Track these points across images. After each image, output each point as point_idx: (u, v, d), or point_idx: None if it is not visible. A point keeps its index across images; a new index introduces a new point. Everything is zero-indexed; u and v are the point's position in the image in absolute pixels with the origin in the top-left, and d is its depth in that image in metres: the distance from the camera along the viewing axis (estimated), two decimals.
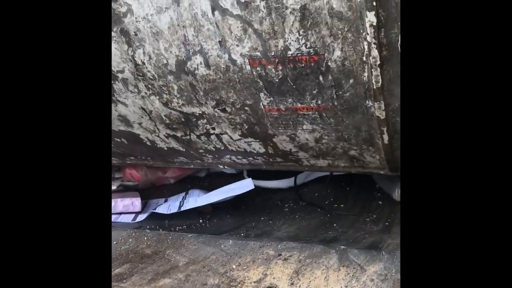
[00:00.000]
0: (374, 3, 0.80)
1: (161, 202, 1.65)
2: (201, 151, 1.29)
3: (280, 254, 1.11)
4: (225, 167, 1.41)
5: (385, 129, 0.99)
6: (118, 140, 1.33)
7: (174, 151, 1.33)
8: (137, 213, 1.57)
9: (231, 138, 1.18)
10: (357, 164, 1.21)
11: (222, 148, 1.24)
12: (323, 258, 1.07)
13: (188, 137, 1.22)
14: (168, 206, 1.56)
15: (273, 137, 1.13)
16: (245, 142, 1.18)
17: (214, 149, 1.26)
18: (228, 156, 1.30)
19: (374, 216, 1.41)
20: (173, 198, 1.65)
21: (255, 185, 1.46)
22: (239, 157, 1.29)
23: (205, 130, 1.18)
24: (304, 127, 1.06)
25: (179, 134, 1.22)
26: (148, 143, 1.31)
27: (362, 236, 1.28)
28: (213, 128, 1.16)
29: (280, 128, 1.09)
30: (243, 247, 1.17)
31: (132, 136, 1.29)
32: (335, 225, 1.39)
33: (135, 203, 1.57)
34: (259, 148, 1.20)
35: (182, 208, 1.52)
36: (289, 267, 1.06)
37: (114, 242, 1.29)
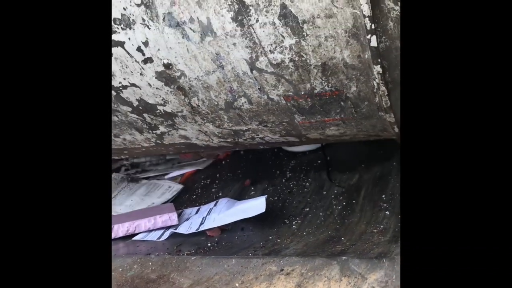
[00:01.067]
0: (379, 60, 1.05)
1: (193, 212, 1.77)
2: (245, 145, 1.60)
3: (283, 269, 1.15)
4: (264, 146, 1.73)
5: (395, 125, 1.28)
6: (178, 147, 1.63)
7: (223, 147, 1.64)
8: (164, 231, 1.67)
9: (271, 137, 1.48)
10: (373, 137, 1.51)
11: (264, 142, 1.54)
12: (325, 270, 1.11)
13: (236, 141, 1.52)
14: (190, 224, 1.64)
15: (307, 135, 1.42)
16: (283, 138, 1.48)
17: (256, 143, 1.57)
18: (267, 144, 1.61)
19: (382, 227, 1.45)
20: (202, 208, 1.77)
21: (289, 151, 1.77)
22: (276, 144, 1.59)
23: (250, 137, 1.47)
24: (331, 128, 1.35)
25: (229, 140, 1.52)
26: (203, 146, 1.61)
27: (370, 248, 1.30)
28: (257, 135, 1.45)
29: (312, 130, 1.38)
30: (246, 265, 1.21)
31: (190, 144, 1.59)
32: (343, 238, 1.42)
33: (172, 217, 1.68)
34: (294, 139, 1.50)
35: (201, 228, 1.60)
36: (292, 281, 1.10)
37: (120, 269, 1.34)
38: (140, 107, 1.36)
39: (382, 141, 1.72)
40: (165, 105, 1.34)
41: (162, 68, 1.22)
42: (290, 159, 2.03)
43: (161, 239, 1.62)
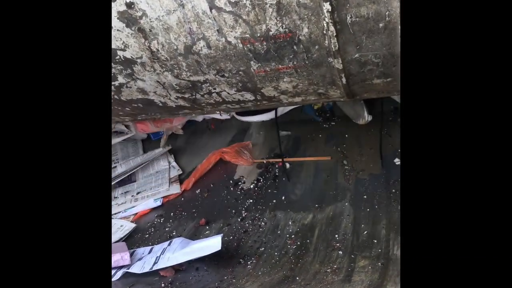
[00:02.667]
0: None
1: (146, 251, 1.76)
2: (203, 104, 1.65)
3: None
4: (221, 112, 1.78)
5: (343, 74, 1.38)
6: (135, 105, 1.66)
7: (180, 107, 1.68)
8: (116, 271, 1.63)
9: (228, 93, 1.54)
10: (323, 97, 1.60)
11: (221, 100, 1.60)
12: None
13: (194, 96, 1.57)
14: (143, 264, 1.62)
15: (261, 89, 1.50)
16: (239, 94, 1.55)
17: (214, 102, 1.62)
18: (224, 105, 1.67)
19: (335, 266, 1.51)
20: (156, 248, 1.75)
21: (243, 121, 1.84)
22: (233, 104, 1.66)
23: (208, 91, 1.53)
24: (285, 79, 1.44)
25: (186, 96, 1.57)
26: (160, 104, 1.65)
27: (324, 287, 1.38)
28: (214, 89, 1.51)
29: (266, 83, 1.46)
30: None
31: (147, 101, 1.62)
32: (297, 278, 1.48)
33: (124, 256, 1.67)
34: (250, 96, 1.57)
35: (154, 268, 1.58)
36: None
37: None
38: None
39: (334, 183, 1.88)
40: (125, 50, 1.38)
41: (124, 8, 1.27)
42: (246, 198, 2.08)
43: (113, 279, 1.59)
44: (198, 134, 2.62)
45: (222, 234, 1.68)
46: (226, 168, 2.33)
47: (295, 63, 1.35)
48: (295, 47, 1.29)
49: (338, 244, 1.64)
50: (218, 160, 2.32)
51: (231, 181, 2.21)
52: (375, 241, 1.62)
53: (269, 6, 1.19)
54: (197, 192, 2.23)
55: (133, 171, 2.43)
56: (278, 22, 1.22)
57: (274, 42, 1.28)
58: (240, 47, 1.31)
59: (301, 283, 1.42)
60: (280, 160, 2.15)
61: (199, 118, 2.24)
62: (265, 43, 1.29)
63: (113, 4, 1.27)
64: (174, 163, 2.48)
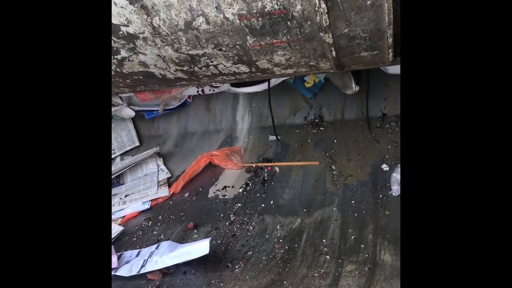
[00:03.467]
0: None
1: (134, 255, 1.75)
2: (200, 76, 1.74)
3: None
4: (217, 83, 1.88)
5: (333, 48, 1.48)
6: (136, 77, 1.74)
7: (179, 79, 1.77)
8: None
9: (224, 65, 1.63)
10: (314, 69, 1.70)
11: (217, 73, 1.69)
12: None
13: (192, 69, 1.66)
14: (130, 267, 1.62)
15: (256, 61, 1.59)
16: (235, 67, 1.64)
17: (210, 74, 1.71)
18: (220, 77, 1.76)
19: (322, 270, 1.52)
20: (143, 251, 1.75)
21: (237, 93, 1.93)
22: (229, 76, 1.75)
23: (205, 63, 1.62)
24: (278, 53, 1.53)
25: (185, 68, 1.66)
26: (160, 76, 1.73)
27: None
28: (212, 62, 1.60)
29: (261, 56, 1.55)
30: None
31: (147, 73, 1.71)
32: (285, 282, 1.48)
33: (112, 260, 1.63)
34: (245, 69, 1.66)
35: (142, 271, 1.58)
36: None
37: None
38: None
39: (323, 188, 1.91)
40: (128, 26, 1.45)
41: None
42: (234, 202, 2.09)
43: None
44: (187, 137, 2.66)
45: (210, 238, 1.68)
46: (215, 172, 2.33)
47: (288, 37, 1.44)
48: (288, 22, 1.38)
49: (325, 249, 1.65)
50: (207, 163, 2.32)
51: (218, 187, 2.22)
52: (362, 246, 1.64)
53: None
54: (185, 195, 2.25)
55: (121, 171, 2.43)
56: None
57: (269, 18, 1.37)
58: (237, 23, 1.40)
59: (289, 287, 1.44)
60: (269, 164, 2.19)
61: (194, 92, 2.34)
62: (260, 19, 1.38)
63: None
64: (162, 166, 2.48)
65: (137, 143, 2.82)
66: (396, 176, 1.91)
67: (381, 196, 1.86)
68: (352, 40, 1.45)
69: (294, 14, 1.35)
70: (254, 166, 2.27)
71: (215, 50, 1.52)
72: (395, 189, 1.86)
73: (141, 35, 1.48)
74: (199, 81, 1.81)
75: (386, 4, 1.29)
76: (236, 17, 1.38)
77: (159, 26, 1.44)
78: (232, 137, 2.57)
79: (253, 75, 1.73)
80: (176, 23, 1.42)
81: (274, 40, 1.46)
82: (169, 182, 2.40)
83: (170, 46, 1.52)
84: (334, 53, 1.50)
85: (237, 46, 1.50)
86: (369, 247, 1.61)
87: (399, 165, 1.96)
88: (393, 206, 1.78)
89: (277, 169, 2.22)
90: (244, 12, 1.36)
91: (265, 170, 2.24)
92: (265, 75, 1.77)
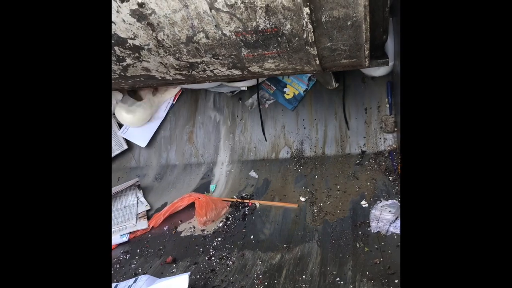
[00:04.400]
0: (308, 3, 1.42)
1: None
2: (196, 77, 1.92)
3: None
4: (210, 81, 2.06)
5: (317, 58, 1.68)
6: (138, 79, 1.91)
7: (177, 80, 1.95)
8: None
9: (220, 70, 1.82)
10: (299, 70, 1.91)
11: (212, 75, 1.88)
12: None
13: (190, 73, 1.84)
14: None
15: (248, 67, 1.78)
16: (229, 71, 1.83)
17: (206, 76, 1.90)
18: (214, 78, 1.95)
19: None
20: (120, 285, 1.73)
21: (229, 87, 2.12)
22: (222, 77, 1.94)
23: (203, 69, 1.80)
24: (269, 61, 1.73)
25: (183, 72, 1.84)
26: (160, 78, 1.91)
27: None
28: (209, 67, 1.79)
29: (253, 63, 1.74)
30: None
31: (148, 76, 1.88)
32: None
33: None
34: (238, 72, 1.85)
35: None
36: None
37: None
38: (113, 41, 1.62)
39: (303, 224, 1.95)
40: (135, 39, 1.62)
41: (136, 7, 1.50)
42: (214, 236, 2.10)
43: None
44: (168, 170, 2.67)
45: (189, 273, 1.66)
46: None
47: (278, 50, 1.64)
48: (279, 38, 1.57)
49: (305, 285, 1.65)
50: (190, 202, 2.29)
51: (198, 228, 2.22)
52: (342, 282, 1.64)
53: (259, 8, 1.46)
54: (164, 229, 2.24)
55: None
56: (266, 20, 1.50)
57: (262, 35, 1.56)
58: (233, 38, 1.58)
59: None
60: (249, 200, 2.24)
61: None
62: (254, 35, 1.57)
63: (126, 3, 1.50)
64: (142, 199, 2.46)
65: (125, 146, 2.85)
66: (375, 213, 1.98)
67: (360, 232, 1.90)
68: (334, 51, 1.65)
69: (284, 31, 1.54)
70: (235, 200, 2.30)
71: (213, 58, 1.71)
72: (374, 226, 1.91)
73: (146, 47, 1.65)
74: (194, 81, 1.99)
75: (364, 25, 1.49)
76: (233, 34, 1.56)
77: (163, 39, 1.61)
78: (212, 172, 2.59)
79: (244, 76, 1.92)
80: (178, 37, 1.60)
81: (266, 52, 1.65)
82: (148, 215, 2.39)
83: (172, 56, 1.69)
84: (318, 61, 1.70)
85: (232, 56, 1.69)
86: (348, 283, 1.62)
87: (378, 202, 2.04)
88: (372, 243, 1.81)
89: (257, 204, 2.27)
90: (240, 29, 1.54)
91: (246, 205, 2.28)
92: (255, 76, 1.96)
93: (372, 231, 1.89)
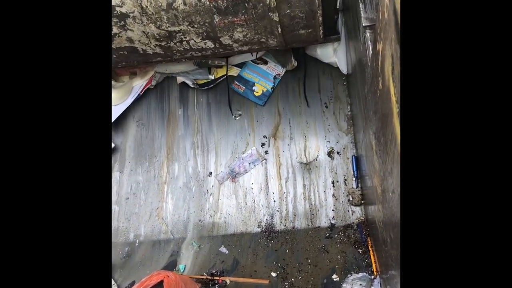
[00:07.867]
0: None
1: None
2: (174, 51, 2.18)
3: None
4: (186, 59, 2.32)
5: (279, 25, 1.97)
6: (121, 52, 2.15)
7: (156, 54, 2.20)
8: None
9: (195, 41, 2.09)
10: (264, 45, 2.20)
11: (188, 48, 2.14)
12: None
13: (168, 44, 2.10)
14: None
15: (220, 38, 2.06)
16: (203, 42, 2.10)
17: (182, 50, 2.16)
18: (190, 53, 2.21)
19: None
20: None
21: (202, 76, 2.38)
22: (196, 52, 2.20)
23: (180, 39, 2.06)
24: (238, 29, 2.01)
25: (163, 43, 2.09)
26: (141, 51, 2.15)
27: None
28: (185, 37, 2.05)
29: (224, 32, 2.02)
30: None
31: (131, 48, 2.12)
32: None
33: None
34: (211, 44, 2.12)
35: None
36: None
37: None
38: None
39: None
40: (122, 6, 1.87)
41: None
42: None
43: None
44: (135, 247, 2.59)
45: None
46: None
47: (246, 16, 1.92)
48: (246, 4, 1.86)
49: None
50: (159, 281, 2.06)
51: None
52: None
53: None
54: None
55: None
56: None
57: (232, 1, 1.85)
58: (207, 4, 1.86)
59: None
60: (219, 277, 2.25)
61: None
62: (225, 1, 1.85)
63: None
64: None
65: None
66: (346, 286, 2.03)
67: None
68: (293, 19, 1.95)
69: None
70: (205, 278, 2.28)
71: (189, 27, 1.98)
72: None
73: (131, 14, 1.91)
74: (171, 57, 2.25)
75: None
76: (207, 0, 1.84)
77: (147, 6, 1.87)
78: (181, 249, 2.52)
79: (216, 51, 2.19)
80: (160, 4, 1.86)
81: (235, 19, 1.94)
82: None
83: (153, 24, 1.95)
84: (279, 30, 2.00)
85: (206, 24, 1.96)
86: None
87: (349, 276, 2.11)
88: None
89: (227, 281, 2.26)
90: None
91: (216, 282, 2.28)
92: (226, 52, 2.24)
93: None
